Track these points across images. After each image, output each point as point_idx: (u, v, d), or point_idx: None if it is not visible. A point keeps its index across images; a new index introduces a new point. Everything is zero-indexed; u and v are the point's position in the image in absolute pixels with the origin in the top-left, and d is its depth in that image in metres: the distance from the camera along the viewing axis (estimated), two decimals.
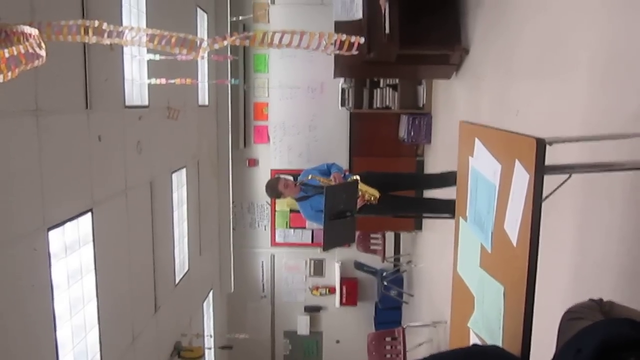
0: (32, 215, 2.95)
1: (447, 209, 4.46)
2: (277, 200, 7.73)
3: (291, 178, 4.88)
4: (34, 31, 1.73)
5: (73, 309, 3.49)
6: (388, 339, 6.28)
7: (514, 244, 1.76)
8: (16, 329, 2.81)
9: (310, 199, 4.65)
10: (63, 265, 3.35)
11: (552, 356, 1.49)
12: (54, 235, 3.18)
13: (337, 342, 8.67)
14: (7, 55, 1.63)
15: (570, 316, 1.69)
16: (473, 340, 2.12)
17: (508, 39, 3.97)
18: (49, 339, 3.11)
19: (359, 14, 5.40)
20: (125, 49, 4.22)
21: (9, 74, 1.69)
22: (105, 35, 2.04)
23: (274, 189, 4.66)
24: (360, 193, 4.41)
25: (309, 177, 4.60)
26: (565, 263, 2.83)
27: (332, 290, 8.43)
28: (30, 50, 1.74)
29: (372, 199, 4.46)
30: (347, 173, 4.94)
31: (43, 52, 1.79)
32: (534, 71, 3.47)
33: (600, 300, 1.77)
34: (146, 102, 4.72)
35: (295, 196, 4.69)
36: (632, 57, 2.37)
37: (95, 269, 3.68)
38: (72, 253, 3.46)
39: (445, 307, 4.72)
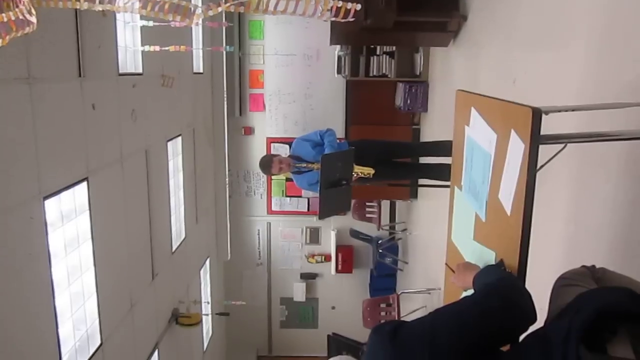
0: (28, 184, 2.95)
1: (442, 173, 4.48)
2: None
3: (286, 149, 4.87)
4: None
5: (71, 277, 3.51)
6: (383, 305, 6.39)
7: (508, 213, 1.77)
8: (14, 296, 2.83)
9: (304, 174, 4.66)
10: (60, 234, 3.36)
11: (544, 320, 1.52)
12: (50, 204, 3.18)
13: (333, 308, 8.80)
14: None
15: (563, 282, 1.72)
16: None
17: (506, 7, 3.92)
18: (48, 306, 3.14)
19: None
20: (118, 15, 4.14)
21: (0, 41, 1.67)
22: (97, 1, 2.01)
23: (267, 169, 4.65)
24: (355, 175, 4.40)
25: (303, 165, 4.58)
26: (559, 232, 2.86)
27: (327, 258, 8.52)
28: (21, 17, 1.71)
29: (368, 175, 4.47)
30: (341, 141, 4.92)
31: (34, 19, 1.76)
32: (532, 39, 3.44)
33: (593, 266, 1.80)
34: (140, 70, 4.67)
35: (290, 170, 4.70)
36: (630, 27, 2.35)
37: (92, 237, 3.70)
38: (68, 222, 3.47)
39: (439, 274, 4.79)
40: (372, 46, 6.82)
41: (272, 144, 7.95)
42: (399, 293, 6.47)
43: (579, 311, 1.30)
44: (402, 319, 6.06)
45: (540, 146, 1.64)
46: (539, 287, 1.74)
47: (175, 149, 5.83)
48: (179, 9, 2.05)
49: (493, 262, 1.87)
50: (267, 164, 4.65)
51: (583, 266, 1.80)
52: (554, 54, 3.09)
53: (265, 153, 7.29)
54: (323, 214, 4.54)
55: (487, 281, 1.55)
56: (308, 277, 8.68)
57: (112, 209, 4.08)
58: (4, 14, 1.62)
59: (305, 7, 2.06)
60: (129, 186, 4.38)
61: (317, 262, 8.56)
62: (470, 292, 1.71)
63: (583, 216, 2.69)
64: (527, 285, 1.70)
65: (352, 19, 2.12)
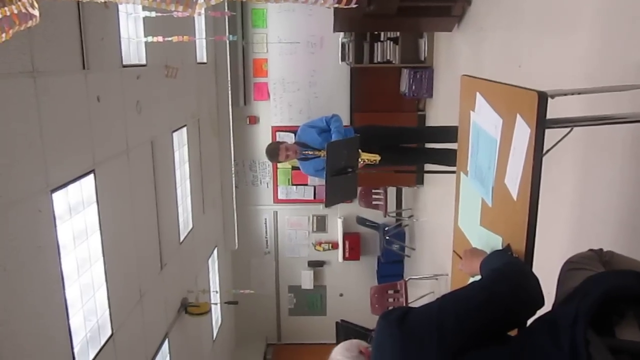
0: (35, 178, 2.97)
1: (448, 158, 4.47)
2: None
3: (291, 138, 4.86)
4: None
5: (80, 269, 3.55)
6: (390, 291, 6.41)
7: (515, 199, 1.77)
8: (25, 289, 2.86)
9: (310, 160, 4.66)
10: (68, 227, 3.39)
11: (552, 305, 1.52)
12: (58, 197, 3.20)
13: (341, 295, 8.84)
14: (0, 16, 1.60)
15: (570, 266, 1.72)
16: None
17: None
18: (58, 298, 3.17)
19: None
20: (121, 7, 4.13)
21: (3, 35, 1.67)
22: None
23: (274, 156, 4.65)
24: (361, 161, 4.39)
25: (309, 152, 4.57)
26: (566, 216, 2.85)
27: (335, 246, 8.54)
28: (24, 11, 1.72)
29: (374, 162, 4.46)
30: (346, 127, 4.91)
31: (36, 12, 1.76)
32: (537, 23, 3.41)
33: (600, 250, 1.79)
34: (144, 61, 4.66)
35: (296, 157, 4.69)
36: (635, 9, 2.32)
37: (101, 229, 3.72)
38: (76, 214, 3.49)
39: (446, 260, 4.80)
40: (376, 32, 6.77)
41: (277, 133, 7.95)
42: (406, 279, 6.48)
43: (586, 295, 1.30)
44: (409, 305, 6.11)
45: (546, 130, 1.63)
46: (546, 272, 1.74)
47: (180, 140, 5.84)
48: None
49: (500, 248, 1.87)
50: (274, 151, 4.65)
51: (590, 250, 1.80)
52: (559, 37, 3.06)
53: (270, 142, 7.29)
54: (329, 201, 4.54)
55: (494, 266, 1.55)
56: (315, 265, 8.71)
57: (119, 201, 4.10)
58: (6, 8, 1.63)
59: None
60: (136, 177, 4.40)
61: (324, 249, 8.58)
62: (478, 277, 1.71)
63: (589, 200, 2.68)
64: (534, 270, 1.70)
65: (355, 6, 2.11)
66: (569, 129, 1.78)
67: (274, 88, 7.91)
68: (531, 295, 1.37)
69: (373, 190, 7.42)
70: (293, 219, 8.55)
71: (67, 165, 3.31)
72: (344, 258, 8.50)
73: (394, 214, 8.01)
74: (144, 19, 4.48)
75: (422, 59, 6.76)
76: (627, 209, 2.34)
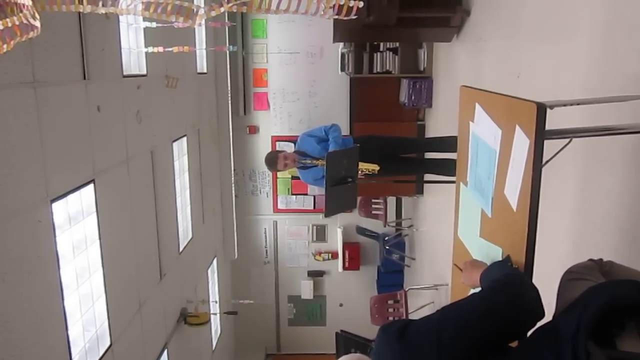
0: (35, 188, 2.96)
1: (447, 168, 4.47)
2: None
3: (291, 148, 4.88)
4: (28, 1, 1.70)
5: (80, 279, 3.53)
6: (390, 301, 6.39)
7: (514, 209, 1.77)
8: (24, 299, 2.85)
9: (309, 169, 4.67)
10: (68, 236, 3.38)
11: (552, 315, 1.52)
12: (58, 207, 3.20)
13: (341, 305, 8.81)
14: (1, 27, 1.61)
15: (570, 276, 1.71)
16: None
17: (510, 0, 3.90)
18: (58, 308, 3.16)
19: None
20: (121, 17, 4.15)
21: (5, 46, 1.68)
22: (100, 4, 2.01)
23: (272, 165, 4.67)
24: (360, 172, 4.41)
25: (309, 162, 4.59)
26: (565, 226, 2.85)
27: (334, 255, 8.52)
28: (25, 22, 1.72)
29: (373, 172, 4.47)
30: (346, 137, 4.92)
31: (37, 23, 1.77)
32: (536, 33, 3.43)
33: (600, 260, 1.79)
34: (144, 71, 4.68)
35: (295, 166, 4.71)
36: (634, 18, 2.33)
37: (100, 239, 3.72)
38: (76, 224, 3.49)
39: (446, 270, 4.78)
40: (376, 43, 6.81)
41: (277, 142, 7.96)
42: (406, 289, 6.46)
43: (587, 306, 1.29)
44: (409, 315, 6.08)
45: (546, 141, 1.64)
46: (546, 282, 1.74)
47: (180, 150, 5.84)
48: (181, 10, 2.05)
49: (500, 259, 1.87)
50: (273, 160, 4.66)
51: (590, 260, 1.79)
52: (558, 47, 3.07)
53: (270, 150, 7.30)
54: (329, 211, 4.54)
55: (494, 277, 1.54)
56: (315, 275, 8.69)
57: (119, 211, 4.10)
58: (8, 19, 1.64)
59: (307, 6, 2.06)
60: (135, 187, 4.40)
61: (324, 259, 8.57)
62: (479, 289, 1.71)
63: (589, 210, 2.68)
64: (534, 281, 1.69)
65: (355, 17, 2.12)
66: (568, 139, 1.78)
67: (274, 98, 7.93)
68: (531, 306, 1.37)
69: (373, 200, 7.42)
70: (293, 228, 8.54)
71: (67, 175, 3.31)
72: (344, 268, 8.48)
73: (394, 224, 8.00)
74: (145, 29, 4.50)
75: (422, 69, 6.78)
76: (627, 219, 2.34)
